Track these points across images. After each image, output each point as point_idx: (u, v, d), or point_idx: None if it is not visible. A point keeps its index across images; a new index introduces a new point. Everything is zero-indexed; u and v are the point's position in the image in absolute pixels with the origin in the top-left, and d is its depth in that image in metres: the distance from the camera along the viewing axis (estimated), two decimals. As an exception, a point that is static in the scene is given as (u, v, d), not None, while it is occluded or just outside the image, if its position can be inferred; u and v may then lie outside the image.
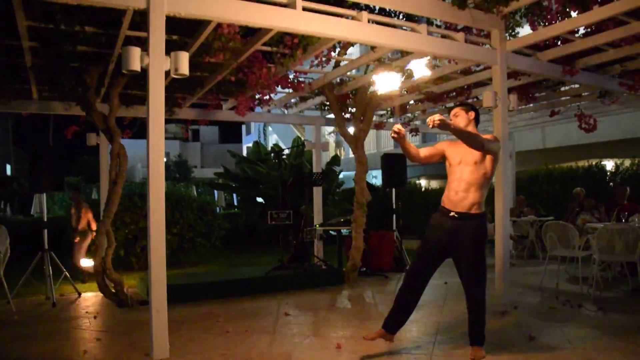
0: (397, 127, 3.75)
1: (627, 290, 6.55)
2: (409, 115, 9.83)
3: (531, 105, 9.25)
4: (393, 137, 3.84)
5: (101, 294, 6.38)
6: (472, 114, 4.10)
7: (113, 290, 6.18)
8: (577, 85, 8.00)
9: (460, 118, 4.07)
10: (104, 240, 6.15)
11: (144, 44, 4.04)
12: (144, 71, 4.01)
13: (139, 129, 7.41)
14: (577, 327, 4.92)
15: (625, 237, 6.16)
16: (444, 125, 3.64)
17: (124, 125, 7.61)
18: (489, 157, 3.94)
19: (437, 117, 3.60)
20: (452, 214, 3.97)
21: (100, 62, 5.86)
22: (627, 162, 11.51)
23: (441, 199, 4.11)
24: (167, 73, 4.11)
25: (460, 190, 3.95)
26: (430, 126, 3.63)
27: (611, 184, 11.36)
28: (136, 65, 3.99)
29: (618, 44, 6.17)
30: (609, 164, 12.29)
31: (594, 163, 12.19)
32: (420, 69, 4.10)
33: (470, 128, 4.04)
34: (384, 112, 9.72)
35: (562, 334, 4.67)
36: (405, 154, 4.08)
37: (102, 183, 7.62)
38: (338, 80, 7.76)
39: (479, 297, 4.00)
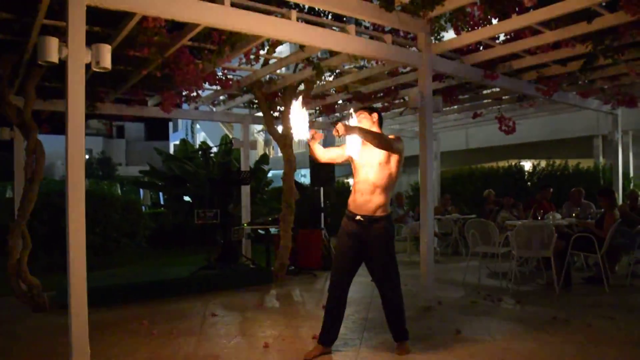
0: (312, 131, 3.94)
1: (543, 284, 6.91)
2: (337, 115, 9.92)
3: (455, 107, 9.60)
4: (309, 142, 4.02)
5: (15, 298, 6.02)
6: (375, 116, 4.18)
7: (29, 294, 5.86)
8: (497, 89, 8.36)
9: (365, 121, 4.12)
10: (18, 242, 5.79)
11: (63, 34, 3.82)
12: (63, 63, 3.81)
13: (58, 124, 7.04)
14: (497, 319, 5.15)
15: (541, 233, 6.50)
16: (351, 131, 3.77)
17: (42, 119, 7.20)
18: (394, 158, 3.98)
19: (340, 127, 3.70)
20: (357, 217, 4.00)
21: (14, 51, 5.50)
22: (543, 163, 12.17)
23: (348, 202, 4.13)
24: (88, 66, 3.93)
25: (365, 192, 3.98)
26: (338, 136, 3.71)
27: (529, 183, 11.96)
28: (53, 57, 3.77)
29: (534, 51, 6.52)
30: (527, 165, 12.93)
31: (513, 163, 12.78)
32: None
33: (375, 130, 4.10)
34: (313, 111, 9.76)
35: (484, 327, 4.86)
36: (312, 154, 4.17)
37: (16, 181, 7.18)
38: (267, 78, 7.72)
39: (393, 296, 4.08)
